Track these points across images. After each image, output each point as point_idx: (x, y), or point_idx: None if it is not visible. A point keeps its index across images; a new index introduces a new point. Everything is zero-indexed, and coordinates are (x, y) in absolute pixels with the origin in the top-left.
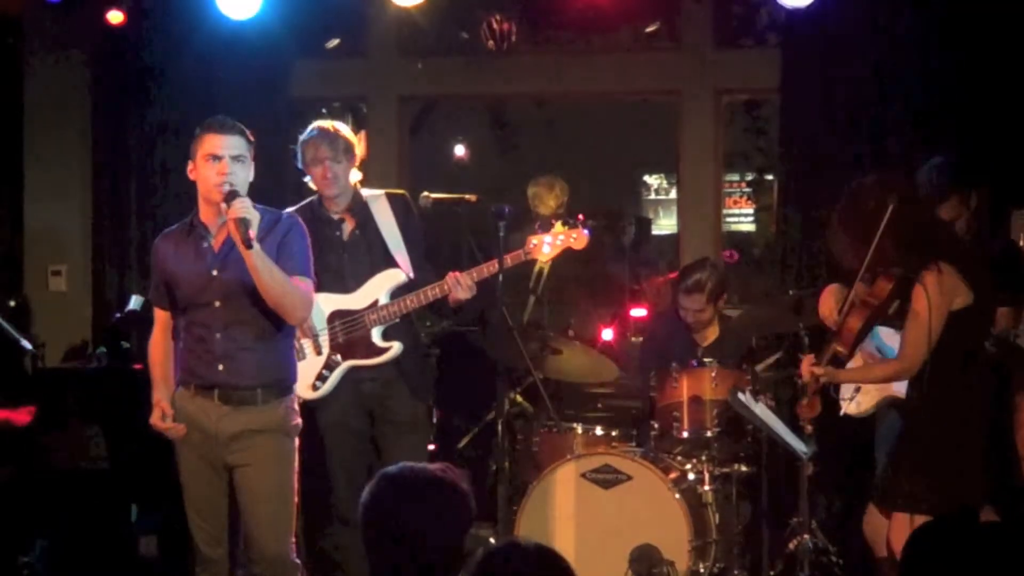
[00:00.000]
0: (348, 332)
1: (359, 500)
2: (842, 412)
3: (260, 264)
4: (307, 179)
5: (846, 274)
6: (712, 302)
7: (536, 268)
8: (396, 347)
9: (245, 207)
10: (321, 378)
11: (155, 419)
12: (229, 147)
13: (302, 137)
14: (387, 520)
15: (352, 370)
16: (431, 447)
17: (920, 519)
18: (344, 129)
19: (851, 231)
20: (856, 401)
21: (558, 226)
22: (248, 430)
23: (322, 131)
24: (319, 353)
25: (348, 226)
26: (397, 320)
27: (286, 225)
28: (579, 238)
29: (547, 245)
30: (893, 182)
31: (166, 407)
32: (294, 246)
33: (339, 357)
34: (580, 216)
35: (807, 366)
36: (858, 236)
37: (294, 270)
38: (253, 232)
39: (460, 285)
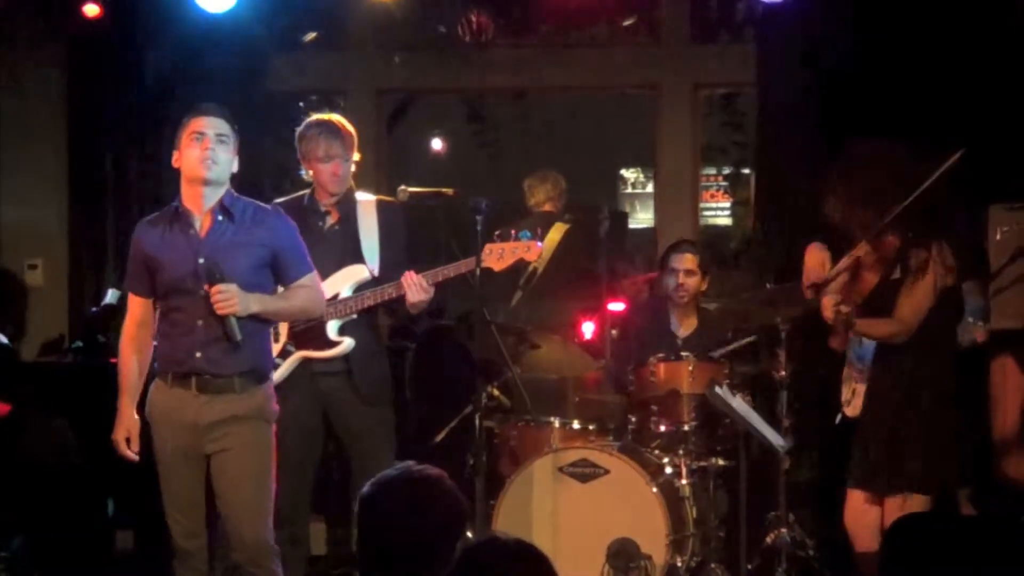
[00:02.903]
0: (305, 322)
1: (299, 502)
2: (839, 419)
3: (269, 314)
4: (303, 172)
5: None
6: (701, 270)
7: (531, 266)
8: (347, 343)
9: (229, 299)
10: (273, 365)
11: (119, 436)
12: (212, 126)
13: (304, 130)
14: (385, 521)
15: (307, 363)
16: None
17: (915, 499)
18: (347, 123)
19: (862, 193)
20: (853, 404)
21: (511, 239)
22: (228, 417)
23: (331, 127)
24: (276, 340)
25: (331, 219)
26: (354, 316)
27: (274, 223)
28: (532, 250)
29: (500, 256)
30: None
31: (133, 427)
32: (291, 246)
33: (292, 347)
34: (538, 230)
35: (831, 304)
36: (868, 199)
37: (300, 270)
38: (237, 334)
39: (414, 286)
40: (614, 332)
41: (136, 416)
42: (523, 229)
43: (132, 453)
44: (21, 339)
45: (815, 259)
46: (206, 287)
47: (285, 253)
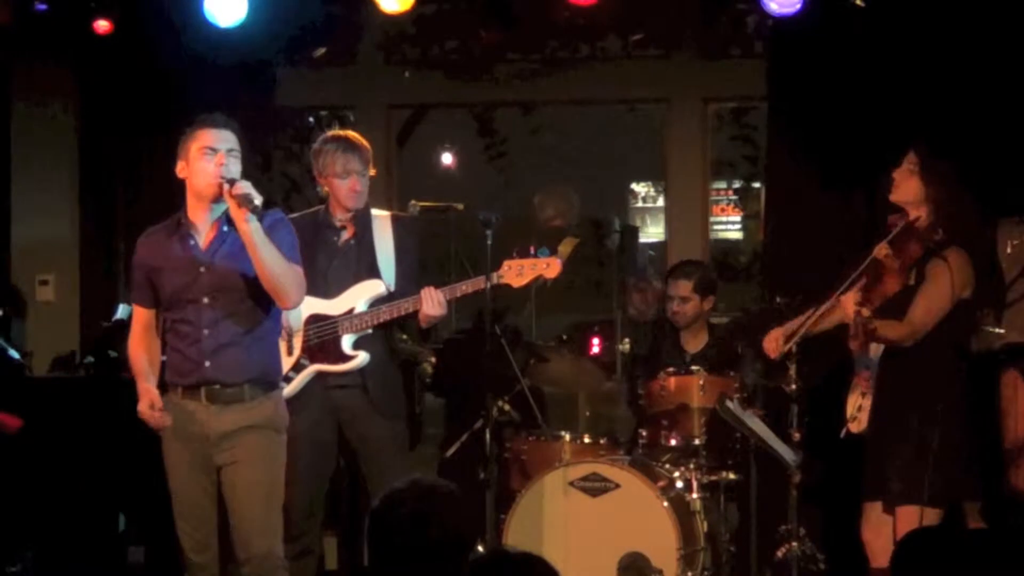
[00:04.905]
0: (320, 336)
1: (311, 515)
2: (843, 433)
3: (260, 239)
4: (319, 188)
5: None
6: (698, 294)
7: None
8: (362, 357)
9: (248, 184)
10: (286, 379)
11: (143, 407)
12: (224, 140)
13: (320, 146)
14: (396, 534)
15: (321, 376)
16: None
17: (927, 512)
18: (361, 140)
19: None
20: (858, 420)
21: (531, 256)
22: (239, 428)
23: (349, 142)
24: (290, 354)
25: (346, 234)
26: (369, 331)
27: (271, 219)
28: (552, 267)
29: (520, 272)
30: None
31: (155, 396)
32: (281, 238)
33: (307, 360)
34: (558, 247)
35: (852, 304)
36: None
37: (288, 256)
38: (258, 204)
39: (431, 300)
40: (622, 347)
41: (155, 389)
42: (541, 246)
43: (160, 415)
44: (32, 354)
45: (770, 339)
46: (226, 189)
47: (275, 244)
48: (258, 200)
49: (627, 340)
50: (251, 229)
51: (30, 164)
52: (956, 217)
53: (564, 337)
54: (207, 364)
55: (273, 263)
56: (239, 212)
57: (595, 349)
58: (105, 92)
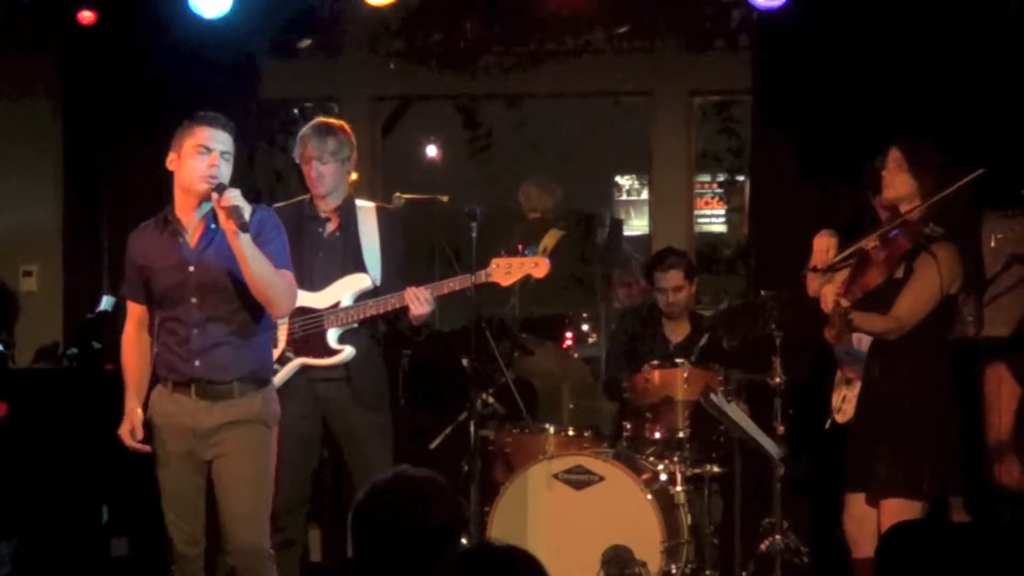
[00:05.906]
0: (305, 329)
1: (296, 507)
2: (828, 425)
3: (250, 252)
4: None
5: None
6: (688, 281)
7: None
8: (348, 351)
9: (237, 195)
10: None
11: (123, 431)
12: (220, 142)
13: (302, 131)
14: (380, 526)
15: (306, 370)
16: None
17: (912, 504)
18: (341, 129)
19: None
20: (843, 411)
21: (519, 255)
22: (228, 422)
23: (321, 128)
24: (274, 346)
25: (331, 226)
26: (355, 325)
27: (260, 218)
28: (540, 266)
29: (508, 271)
30: None
31: (136, 424)
32: (271, 241)
33: (291, 353)
34: (545, 247)
35: (832, 295)
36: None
37: (274, 263)
38: (247, 218)
39: (417, 300)
40: (590, 339)
41: (139, 411)
42: (528, 241)
43: (137, 444)
44: (15, 345)
45: (822, 244)
46: (215, 198)
47: (264, 247)
48: (247, 213)
49: (595, 335)
50: (241, 243)
51: (14, 155)
52: (949, 208)
53: (518, 332)
54: (196, 363)
55: (263, 276)
56: (228, 224)
57: (567, 342)
58: (89, 82)
